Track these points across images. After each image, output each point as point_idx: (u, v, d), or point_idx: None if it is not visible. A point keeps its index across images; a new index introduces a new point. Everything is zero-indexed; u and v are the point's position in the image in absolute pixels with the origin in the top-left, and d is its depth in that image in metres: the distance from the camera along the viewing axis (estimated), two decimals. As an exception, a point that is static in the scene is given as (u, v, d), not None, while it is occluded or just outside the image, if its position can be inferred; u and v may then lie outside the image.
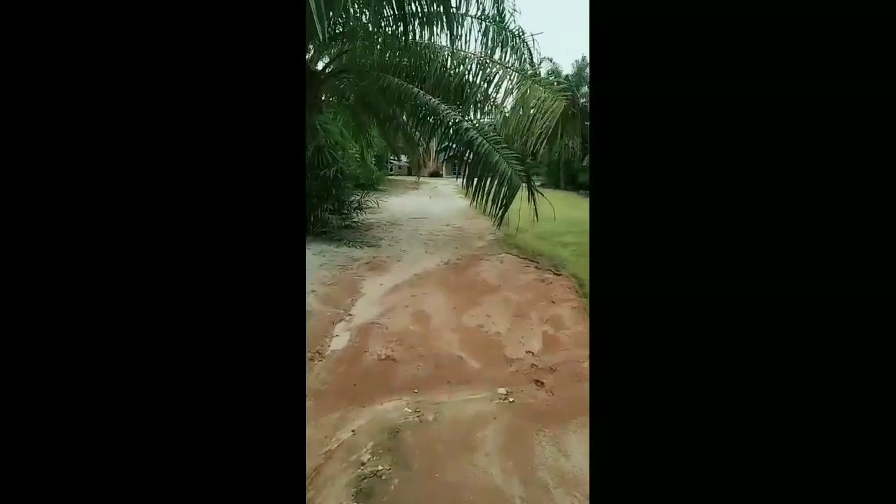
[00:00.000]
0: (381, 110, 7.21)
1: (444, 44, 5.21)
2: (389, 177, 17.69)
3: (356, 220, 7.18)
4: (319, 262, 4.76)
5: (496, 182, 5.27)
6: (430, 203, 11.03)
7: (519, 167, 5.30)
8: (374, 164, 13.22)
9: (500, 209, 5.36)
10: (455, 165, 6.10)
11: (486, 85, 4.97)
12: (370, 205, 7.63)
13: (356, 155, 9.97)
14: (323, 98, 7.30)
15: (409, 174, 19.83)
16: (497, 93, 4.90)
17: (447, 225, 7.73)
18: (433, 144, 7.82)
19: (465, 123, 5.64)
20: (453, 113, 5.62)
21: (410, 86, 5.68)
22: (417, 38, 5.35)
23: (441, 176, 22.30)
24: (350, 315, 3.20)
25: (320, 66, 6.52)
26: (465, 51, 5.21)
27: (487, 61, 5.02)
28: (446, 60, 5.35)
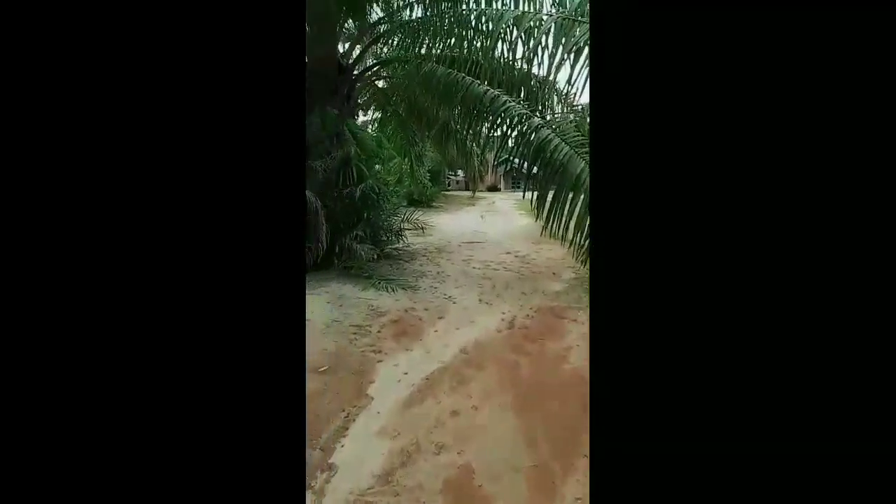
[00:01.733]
0: (426, 113, 5.85)
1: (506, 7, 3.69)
2: (446, 192, 16.45)
3: (397, 246, 5.87)
4: (330, 318, 3.36)
5: (580, 200, 3.60)
6: (485, 222, 9.42)
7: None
8: (429, 180, 12.05)
9: (586, 238, 3.65)
10: (514, 177, 4.54)
11: (570, 58, 3.26)
12: (416, 226, 6.30)
13: (406, 169, 8.89)
14: (359, 101, 6.13)
15: (467, 189, 18.50)
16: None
17: (507, 253, 6.09)
18: (489, 155, 6.29)
19: (536, 120, 4.03)
20: (518, 107, 4.05)
21: (459, 74, 4.22)
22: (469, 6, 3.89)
23: (499, 190, 20.62)
24: (316, 479, 1.67)
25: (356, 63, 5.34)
26: (537, 13, 3.59)
27: (569, 21, 3.31)
28: (508, 32, 3.76)
